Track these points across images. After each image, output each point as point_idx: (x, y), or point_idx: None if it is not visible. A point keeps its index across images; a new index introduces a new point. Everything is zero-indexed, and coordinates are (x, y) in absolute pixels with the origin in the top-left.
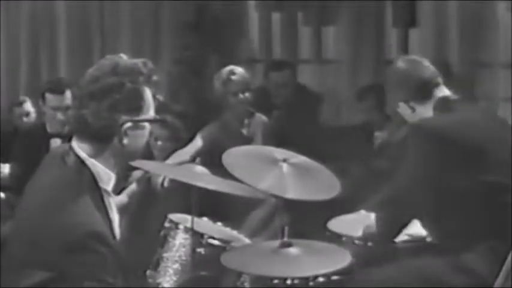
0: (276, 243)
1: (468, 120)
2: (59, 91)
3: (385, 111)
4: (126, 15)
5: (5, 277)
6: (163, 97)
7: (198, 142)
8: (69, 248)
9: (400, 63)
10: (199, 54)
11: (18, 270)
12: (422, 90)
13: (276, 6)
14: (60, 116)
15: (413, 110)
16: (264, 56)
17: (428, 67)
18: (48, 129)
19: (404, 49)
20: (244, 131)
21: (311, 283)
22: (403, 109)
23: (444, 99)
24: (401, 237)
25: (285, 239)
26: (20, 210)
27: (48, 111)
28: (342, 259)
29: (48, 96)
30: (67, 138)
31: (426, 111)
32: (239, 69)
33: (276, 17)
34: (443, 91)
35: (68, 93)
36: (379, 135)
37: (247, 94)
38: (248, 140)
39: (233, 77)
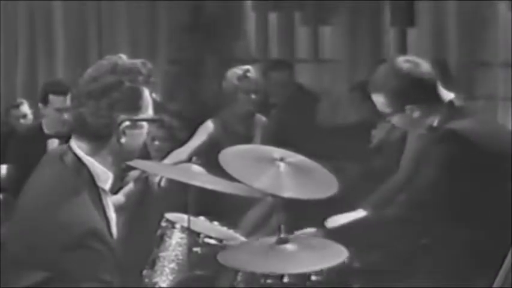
0: (273, 239)
1: (493, 126)
2: (62, 92)
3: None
4: (123, 15)
5: (4, 277)
6: (160, 97)
7: (196, 141)
8: (67, 247)
9: (404, 64)
10: (196, 54)
11: (17, 271)
12: (432, 93)
13: (273, 6)
14: (63, 116)
15: (420, 114)
16: (260, 55)
17: (429, 67)
18: (46, 130)
19: (403, 48)
20: (244, 131)
21: (308, 282)
22: (406, 116)
23: (453, 102)
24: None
25: (282, 235)
26: (18, 210)
27: (50, 113)
28: (339, 255)
29: (52, 98)
30: (64, 139)
31: (431, 117)
32: (254, 71)
33: (273, 16)
34: (448, 94)
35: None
36: (376, 134)
37: (258, 96)
38: (247, 140)
39: (250, 75)
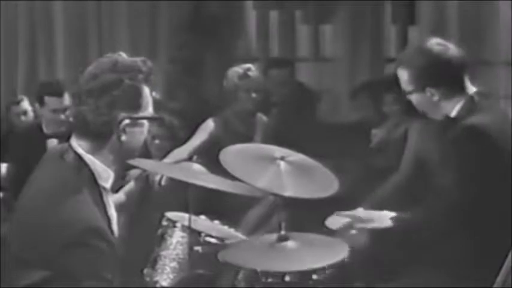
0: (273, 237)
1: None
2: (57, 93)
3: (380, 108)
4: (123, 14)
5: (5, 276)
6: (160, 95)
7: (196, 140)
8: (68, 245)
9: (435, 46)
10: (196, 53)
11: (18, 269)
12: (457, 80)
13: (273, 4)
14: (60, 117)
15: (438, 99)
16: (261, 54)
17: (459, 54)
18: (45, 130)
19: (404, 47)
20: (245, 130)
21: (310, 282)
22: (425, 98)
23: (473, 97)
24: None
25: (282, 232)
26: (19, 208)
27: (47, 114)
28: (340, 252)
29: (48, 99)
30: (64, 139)
31: (450, 106)
32: (255, 69)
33: (273, 15)
34: (471, 88)
35: (66, 95)
36: (377, 133)
37: (258, 95)
38: (248, 139)
39: (250, 74)
